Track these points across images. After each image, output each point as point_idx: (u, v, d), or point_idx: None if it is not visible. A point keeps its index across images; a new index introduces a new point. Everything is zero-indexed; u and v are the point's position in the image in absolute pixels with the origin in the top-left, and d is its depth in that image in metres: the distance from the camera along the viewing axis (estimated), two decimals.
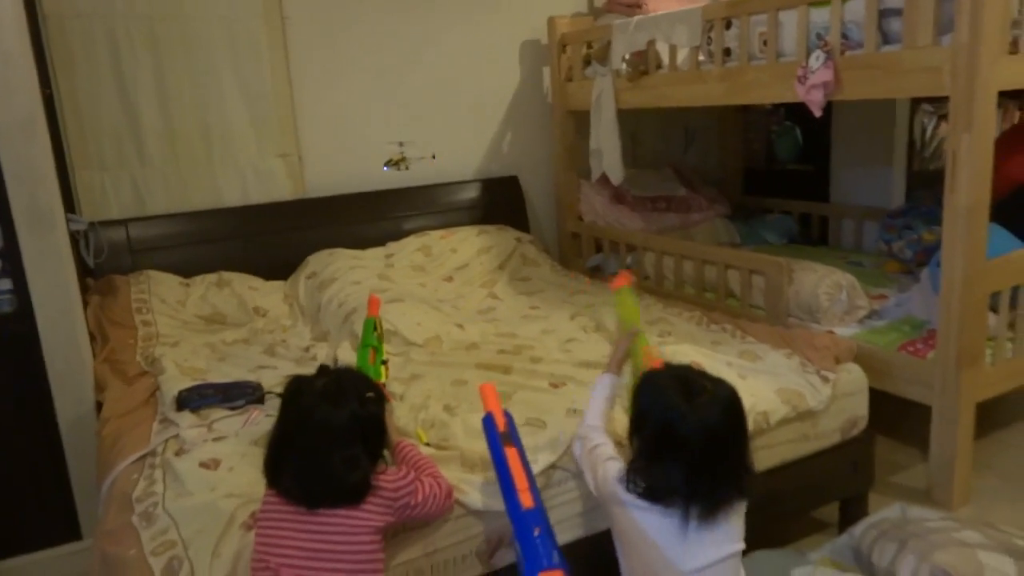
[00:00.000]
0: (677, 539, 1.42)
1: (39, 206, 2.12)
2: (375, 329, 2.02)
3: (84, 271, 2.76)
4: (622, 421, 1.75)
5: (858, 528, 1.96)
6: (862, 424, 2.20)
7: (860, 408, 2.19)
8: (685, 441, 1.40)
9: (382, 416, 1.51)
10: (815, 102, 2.46)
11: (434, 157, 3.60)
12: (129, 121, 3.00)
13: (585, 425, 1.71)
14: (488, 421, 1.59)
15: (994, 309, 2.38)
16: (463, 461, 1.72)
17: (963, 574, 1.43)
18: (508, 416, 1.62)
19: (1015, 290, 2.41)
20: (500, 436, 1.54)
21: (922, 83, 2.20)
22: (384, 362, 2.00)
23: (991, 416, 2.85)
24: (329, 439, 1.39)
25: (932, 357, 2.37)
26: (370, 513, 1.40)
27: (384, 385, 1.88)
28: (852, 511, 2.26)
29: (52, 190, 2.18)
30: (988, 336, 2.35)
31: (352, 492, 1.40)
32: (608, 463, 1.57)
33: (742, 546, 1.49)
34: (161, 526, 1.51)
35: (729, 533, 1.46)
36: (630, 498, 1.46)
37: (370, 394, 1.48)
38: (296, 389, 1.47)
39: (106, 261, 2.89)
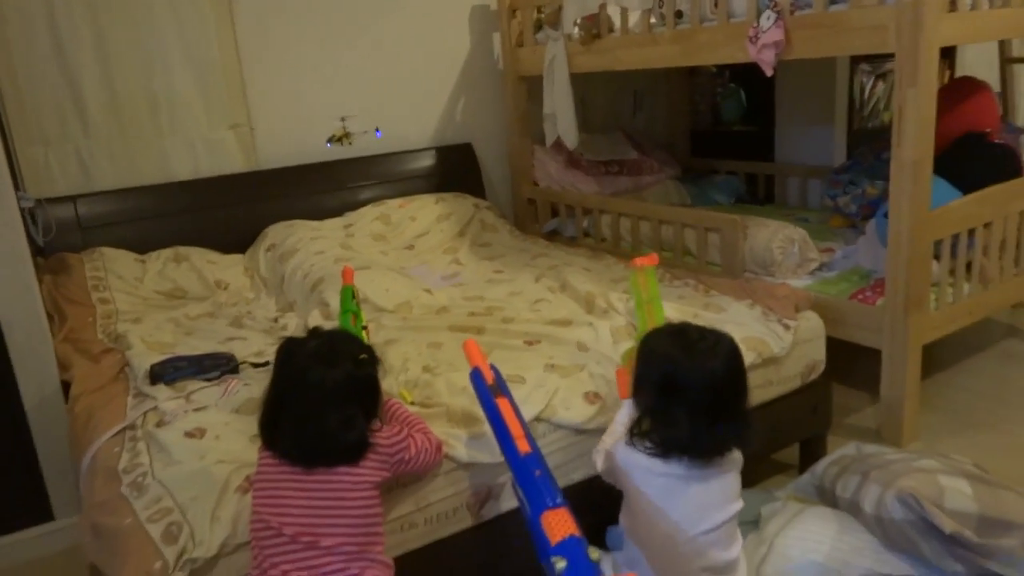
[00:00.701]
0: (681, 499, 1.46)
1: None
2: (353, 296, 2.02)
3: (34, 250, 2.67)
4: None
5: (819, 466, 2.07)
6: (820, 368, 2.32)
7: (818, 353, 2.30)
8: (687, 390, 1.42)
9: (376, 376, 1.52)
10: (766, 61, 2.53)
11: (378, 131, 3.55)
12: (71, 92, 2.90)
13: (602, 445, 1.67)
14: (476, 375, 1.62)
15: (936, 257, 2.52)
16: (449, 417, 1.75)
17: (927, 495, 1.54)
18: (495, 369, 1.65)
19: (955, 238, 2.55)
20: (490, 388, 1.57)
21: (869, 41, 2.29)
22: (364, 327, 2.01)
23: (932, 358, 3.02)
24: (325, 399, 1.41)
25: (881, 303, 2.50)
26: (369, 470, 1.43)
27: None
28: (811, 452, 2.38)
29: (1, 161, 2.11)
30: (932, 283, 2.49)
31: (350, 451, 1.42)
32: (614, 445, 1.58)
33: (740, 504, 1.52)
34: (154, 495, 1.51)
35: (727, 492, 1.49)
36: (636, 459, 1.47)
37: (363, 355, 1.50)
38: (288, 351, 1.48)
39: (55, 239, 2.80)
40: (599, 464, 1.63)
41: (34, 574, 2.23)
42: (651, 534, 1.50)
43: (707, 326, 1.54)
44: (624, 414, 1.67)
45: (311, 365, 1.43)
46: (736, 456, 1.52)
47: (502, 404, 1.53)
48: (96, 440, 1.78)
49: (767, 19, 2.50)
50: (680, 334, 1.50)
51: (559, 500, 1.29)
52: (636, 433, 1.48)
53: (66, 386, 2.22)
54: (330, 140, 3.37)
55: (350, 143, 3.49)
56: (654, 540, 1.50)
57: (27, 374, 2.19)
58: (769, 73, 2.55)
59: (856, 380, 2.90)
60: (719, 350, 1.46)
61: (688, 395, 1.43)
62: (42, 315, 2.25)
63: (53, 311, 2.50)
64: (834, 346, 2.44)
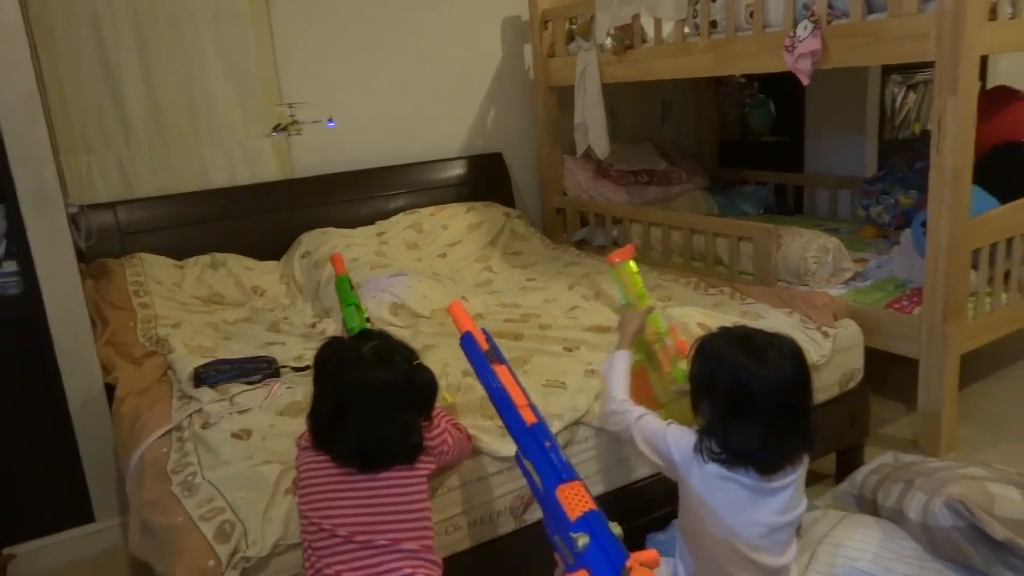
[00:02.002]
0: (744, 510, 1.43)
1: (44, 186, 2.10)
2: (351, 287, 2.01)
3: (76, 256, 2.71)
4: None
5: (858, 475, 2.06)
6: (858, 377, 2.31)
7: (856, 362, 2.30)
8: (760, 400, 1.38)
9: (434, 380, 1.52)
10: (803, 71, 2.54)
11: (330, 121, 3.36)
12: (113, 102, 2.95)
13: (616, 400, 1.65)
14: (467, 339, 1.54)
15: (974, 266, 2.50)
16: (483, 411, 1.77)
17: (977, 502, 1.53)
18: (487, 334, 1.58)
19: (994, 247, 2.53)
20: (485, 354, 1.51)
21: (908, 50, 2.29)
22: (367, 319, 1.99)
23: (970, 369, 2.99)
24: (391, 403, 1.41)
25: (918, 312, 2.48)
26: (422, 467, 1.44)
27: None
28: (849, 461, 2.37)
29: (53, 170, 2.16)
30: (970, 292, 2.48)
31: (410, 453, 1.43)
32: (674, 430, 1.53)
33: (803, 508, 1.49)
34: (206, 495, 1.53)
35: (792, 499, 1.45)
36: (707, 466, 1.44)
37: (417, 361, 1.51)
38: (339, 353, 1.49)
39: (96, 245, 2.84)
40: (614, 424, 1.62)
41: (74, 574, 2.26)
42: (703, 534, 1.48)
43: (766, 329, 1.50)
44: (620, 366, 1.68)
45: (372, 368, 1.42)
46: (804, 460, 1.48)
47: (500, 371, 1.46)
48: (144, 441, 1.81)
49: (804, 29, 2.50)
50: (746, 340, 1.44)
51: (573, 473, 1.24)
52: (707, 445, 1.43)
53: (109, 389, 2.26)
54: (275, 129, 3.23)
55: (299, 133, 3.30)
56: (705, 539, 1.48)
57: (73, 376, 2.24)
58: (806, 82, 2.55)
59: (891, 391, 2.88)
60: (788, 355, 1.42)
61: (761, 405, 1.38)
62: (87, 318, 2.29)
63: (95, 315, 2.54)
64: (869, 356, 2.42)
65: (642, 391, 1.77)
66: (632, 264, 1.93)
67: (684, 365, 1.70)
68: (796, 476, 1.45)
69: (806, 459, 1.48)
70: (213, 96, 3.11)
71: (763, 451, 1.39)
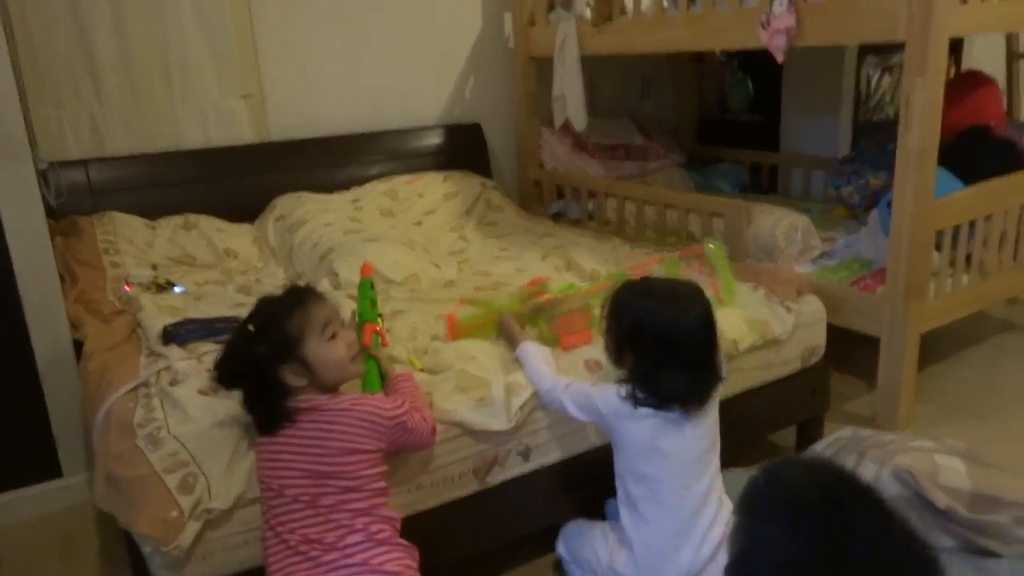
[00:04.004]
0: (677, 436, 1.57)
1: (10, 136, 2.08)
2: (372, 287, 2.03)
3: (45, 212, 2.69)
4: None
5: (816, 447, 2.12)
6: (820, 352, 2.36)
7: (819, 337, 2.35)
8: (686, 343, 1.52)
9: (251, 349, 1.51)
10: (778, 47, 2.56)
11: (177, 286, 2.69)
12: (85, 56, 2.91)
13: (544, 380, 1.76)
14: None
15: (938, 248, 2.55)
16: (457, 383, 1.79)
17: (922, 471, 1.59)
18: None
19: (957, 229, 2.59)
20: None
21: (880, 28, 2.32)
22: (380, 315, 2.00)
23: (929, 350, 3.06)
24: (256, 370, 1.52)
25: (881, 291, 2.54)
26: (358, 435, 1.47)
27: (384, 330, 1.92)
28: (808, 435, 2.43)
29: (19, 115, 2.13)
30: (932, 272, 2.53)
31: (285, 415, 1.49)
32: (599, 387, 1.67)
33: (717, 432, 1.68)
34: (170, 448, 1.54)
35: (711, 423, 1.65)
36: (635, 411, 1.56)
37: (250, 326, 1.53)
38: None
39: (67, 203, 2.81)
40: (551, 404, 1.75)
41: (41, 529, 2.27)
42: (648, 475, 1.62)
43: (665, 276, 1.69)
44: (536, 355, 1.80)
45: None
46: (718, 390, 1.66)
47: None
48: (111, 395, 1.81)
49: (779, 5, 2.52)
50: (658, 291, 1.59)
51: None
52: (633, 392, 1.56)
53: (77, 345, 2.25)
54: None
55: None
56: (653, 481, 1.61)
57: (40, 331, 2.23)
58: (780, 59, 2.57)
59: (853, 368, 2.94)
60: (696, 296, 1.58)
61: (687, 347, 1.52)
62: (55, 273, 2.27)
63: (64, 273, 2.53)
64: (832, 334, 2.48)
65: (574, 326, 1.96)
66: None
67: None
68: (714, 404, 1.65)
69: (719, 388, 1.66)
70: (187, 55, 3.07)
71: (690, 392, 1.56)
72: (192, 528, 1.43)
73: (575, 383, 1.72)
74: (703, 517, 1.62)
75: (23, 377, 2.24)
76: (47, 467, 2.32)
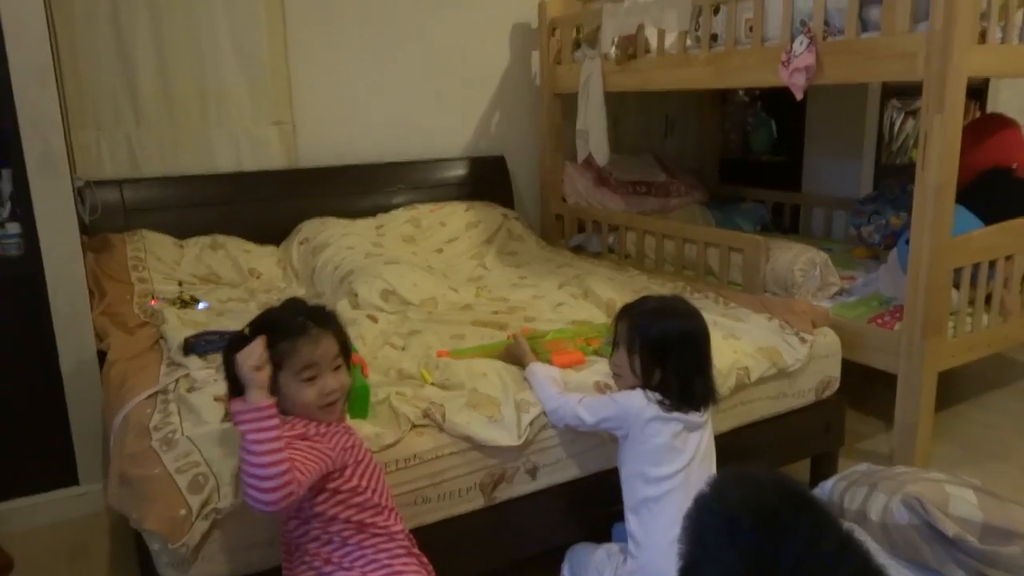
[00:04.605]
0: (694, 437, 1.70)
1: (51, 152, 2.16)
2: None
3: (80, 228, 2.78)
4: None
5: (829, 482, 2.09)
6: (835, 386, 2.35)
7: (833, 370, 2.33)
8: (705, 348, 1.72)
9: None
10: (797, 85, 2.60)
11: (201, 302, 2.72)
12: (126, 81, 3.03)
13: (552, 399, 1.80)
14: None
15: (956, 286, 2.54)
16: (468, 400, 1.81)
17: (932, 500, 1.56)
18: None
19: (976, 268, 2.58)
20: None
21: (898, 68, 2.35)
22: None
23: (950, 391, 3.02)
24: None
25: (899, 328, 2.52)
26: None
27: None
28: (822, 469, 2.40)
29: (61, 138, 2.22)
30: (951, 311, 2.51)
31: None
32: (621, 392, 1.74)
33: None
34: (183, 449, 1.57)
35: (711, 426, 1.78)
36: (664, 414, 1.66)
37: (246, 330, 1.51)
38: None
39: (100, 220, 2.91)
40: (562, 422, 1.80)
41: (55, 535, 2.30)
42: (663, 469, 1.68)
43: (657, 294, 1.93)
44: (544, 376, 1.86)
45: None
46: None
47: None
48: (130, 401, 1.86)
49: (800, 44, 2.56)
50: (662, 308, 1.74)
51: None
52: (662, 399, 1.67)
53: (102, 356, 2.31)
54: None
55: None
56: (666, 474, 1.68)
57: (67, 340, 2.29)
58: (799, 97, 2.61)
59: (870, 407, 2.91)
60: (689, 305, 1.77)
61: (706, 351, 1.71)
62: (84, 284, 2.35)
63: (94, 287, 2.60)
64: (850, 372, 2.47)
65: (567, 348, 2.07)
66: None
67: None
68: (709, 413, 1.76)
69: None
70: (223, 82, 3.19)
71: (711, 392, 1.74)
72: (200, 527, 1.45)
73: (588, 397, 1.79)
74: None
75: (47, 385, 2.29)
76: (65, 474, 2.36)
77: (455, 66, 3.76)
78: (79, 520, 2.36)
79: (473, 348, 2.11)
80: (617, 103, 4.13)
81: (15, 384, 2.26)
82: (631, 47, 3.25)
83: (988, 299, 2.66)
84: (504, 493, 1.80)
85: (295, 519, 1.47)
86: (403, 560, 1.50)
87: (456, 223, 3.47)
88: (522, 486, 1.82)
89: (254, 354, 1.38)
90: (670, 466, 1.67)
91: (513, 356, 2.01)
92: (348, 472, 1.48)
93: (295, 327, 1.48)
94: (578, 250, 3.75)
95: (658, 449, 1.67)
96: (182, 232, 3.06)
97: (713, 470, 1.75)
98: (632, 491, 1.71)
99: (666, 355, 1.68)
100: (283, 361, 1.45)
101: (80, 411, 2.34)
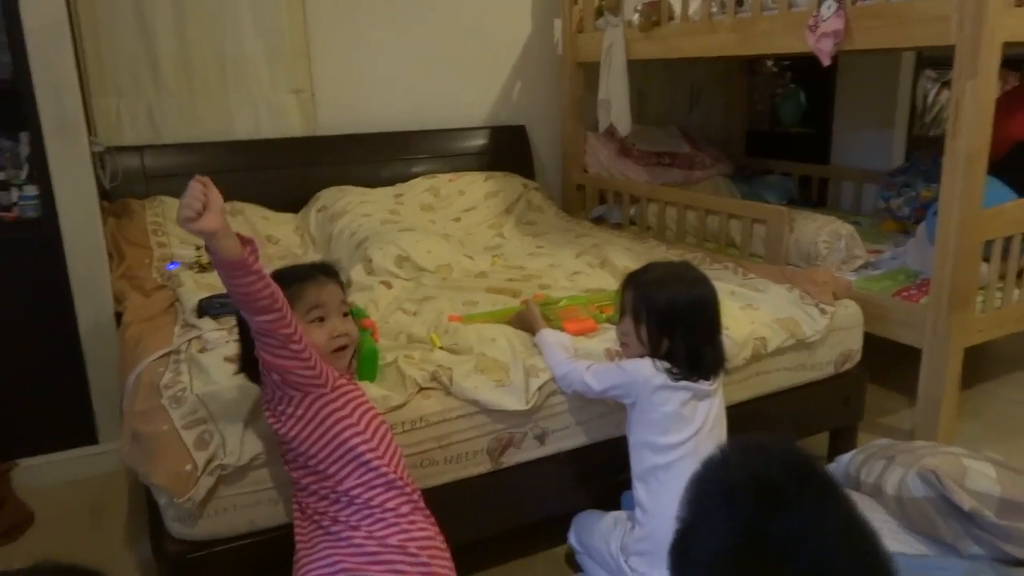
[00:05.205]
0: (702, 405, 1.68)
1: (66, 114, 2.17)
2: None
3: (100, 193, 2.80)
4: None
5: (846, 456, 2.06)
6: (855, 358, 2.29)
7: (855, 343, 2.28)
8: (714, 314, 1.68)
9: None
10: (824, 51, 2.51)
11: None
12: (146, 49, 3.03)
13: (561, 364, 1.78)
14: None
15: (986, 259, 2.46)
16: (477, 365, 1.79)
17: (948, 473, 1.52)
18: None
19: (1008, 241, 2.49)
20: None
21: (929, 32, 2.26)
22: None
23: (979, 368, 2.95)
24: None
25: (925, 301, 2.45)
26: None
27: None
28: (842, 443, 2.36)
29: (77, 99, 2.23)
30: (980, 285, 2.44)
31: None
32: (629, 360, 1.70)
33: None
34: (191, 407, 1.58)
35: (720, 394, 1.75)
36: (672, 382, 1.64)
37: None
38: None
39: (121, 186, 2.92)
40: (571, 387, 1.77)
41: (74, 494, 2.34)
42: (671, 437, 1.66)
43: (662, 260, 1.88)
44: (555, 341, 1.83)
45: None
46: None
47: None
48: (143, 360, 1.87)
49: (828, 8, 2.48)
50: (673, 275, 1.69)
51: None
52: (671, 367, 1.64)
53: (119, 317, 2.33)
54: None
55: None
56: (674, 442, 1.66)
57: (84, 301, 2.31)
58: (826, 63, 2.53)
59: (894, 383, 2.85)
60: (700, 274, 1.72)
61: (714, 315, 1.67)
62: (103, 247, 2.37)
63: (114, 250, 2.63)
64: (873, 347, 2.41)
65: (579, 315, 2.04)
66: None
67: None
68: (719, 382, 1.73)
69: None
70: (242, 49, 3.18)
71: (721, 360, 1.70)
72: (205, 483, 1.46)
73: (596, 364, 1.76)
74: None
75: (66, 345, 2.32)
76: (84, 433, 2.40)
77: (476, 34, 3.71)
78: (98, 478, 2.40)
79: (484, 313, 2.10)
80: (642, 75, 4.05)
81: (35, 344, 2.30)
82: (654, 14, 3.17)
83: (1021, 274, 2.58)
84: (512, 458, 1.79)
85: (302, 475, 1.47)
86: (409, 518, 1.49)
87: (475, 192, 3.44)
88: (530, 451, 1.81)
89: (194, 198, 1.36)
90: (678, 435, 1.65)
91: (524, 322, 1.98)
92: (340, 402, 1.47)
93: (300, 271, 1.56)
94: (599, 221, 3.71)
95: (666, 418, 1.65)
96: None
97: (723, 439, 1.71)
98: (640, 459, 1.69)
99: (674, 324, 1.65)
100: (292, 303, 1.46)
101: (98, 372, 2.37)
